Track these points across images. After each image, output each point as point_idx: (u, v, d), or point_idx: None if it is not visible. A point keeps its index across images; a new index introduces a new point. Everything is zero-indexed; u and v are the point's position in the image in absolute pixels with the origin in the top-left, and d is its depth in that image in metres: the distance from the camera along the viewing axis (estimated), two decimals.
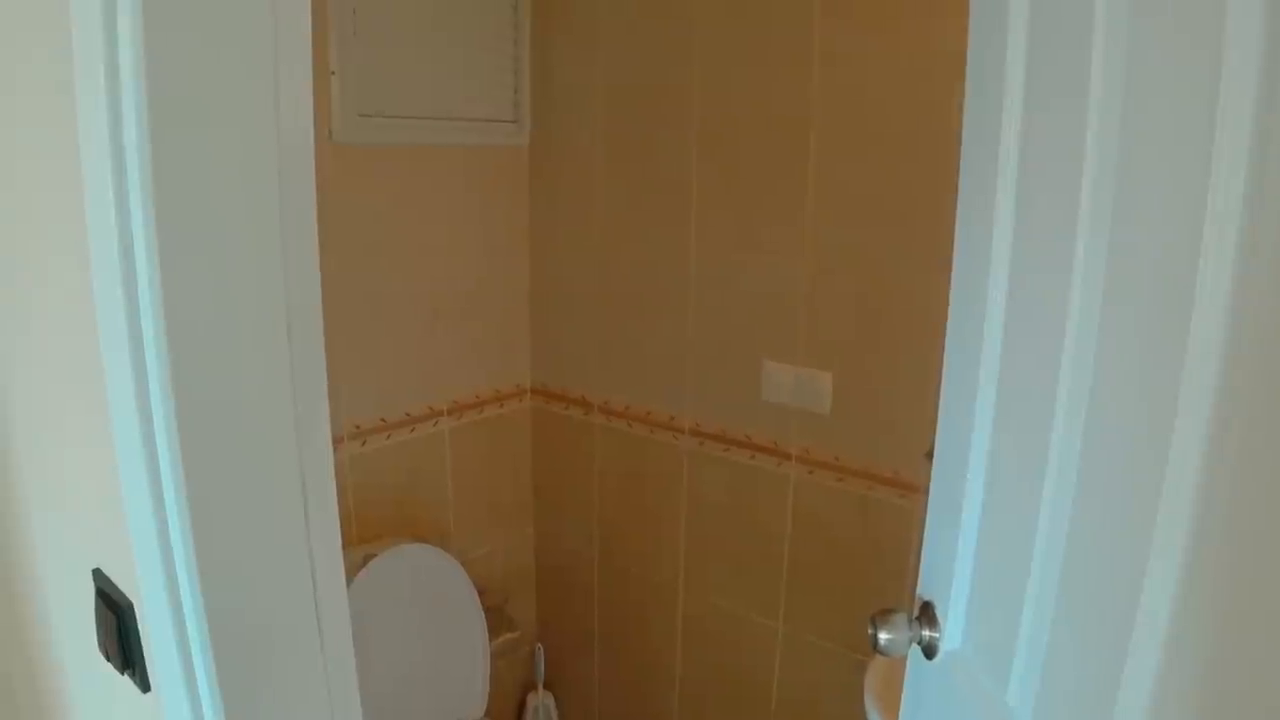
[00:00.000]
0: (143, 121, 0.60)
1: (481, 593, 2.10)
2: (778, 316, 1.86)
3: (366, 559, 1.83)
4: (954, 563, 0.95)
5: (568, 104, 2.17)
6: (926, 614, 1.01)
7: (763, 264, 1.87)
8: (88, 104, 0.64)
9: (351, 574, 1.78)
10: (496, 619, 2.25)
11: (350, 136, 1.87)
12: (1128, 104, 0.62)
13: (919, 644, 1.01)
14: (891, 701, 1.29)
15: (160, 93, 0.60)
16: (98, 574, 0.87)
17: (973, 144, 0.86)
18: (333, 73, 1.82)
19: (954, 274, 0.91)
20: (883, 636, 0.99)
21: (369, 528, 2.04)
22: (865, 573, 1.83)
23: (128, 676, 0.83)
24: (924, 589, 1.03)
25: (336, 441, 1.89)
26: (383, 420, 2.05)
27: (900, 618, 1.00)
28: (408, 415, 2.11)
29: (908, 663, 1.08)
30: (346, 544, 1.81)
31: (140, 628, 0.80)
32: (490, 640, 2.11)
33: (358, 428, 2.00)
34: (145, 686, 0.81)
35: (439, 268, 2.12)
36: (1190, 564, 0.58)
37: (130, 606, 0.81)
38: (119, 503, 0.75)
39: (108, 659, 0.85)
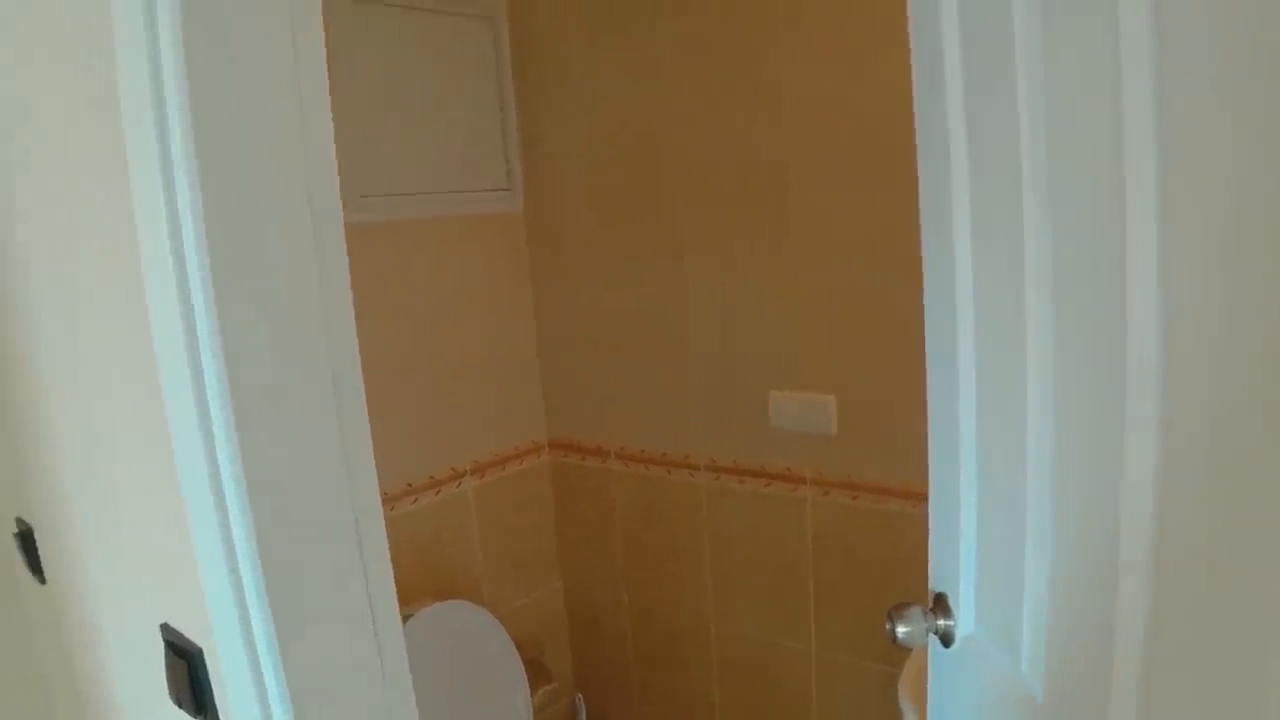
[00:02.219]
0: (198, 215, 0.68)
1: (517, 647, 2.15)
2: (778, 347, 1.94)
3: (405, 618, 1.90)
4: (958, 553, 1.02)
5: (557, 167, 2.28)
6: (940, 604, 1.07)
7: (758, 299, 1.95)
8: (146, 204, 0.72)
9: None
10: (534, 672, 2.30)
11: (354, 215, 1.97)
12: (1049, 119, 0.71)
13: (935, 633, 1.07)
14: (924, 697, 1.34)
15: (211, 192, 0.69)
16: (165, 627, 0.94)
17: (927, 165, 0.94)
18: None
19: (925, 290, 1.00)
20: (900, 630, 1.05)
21: (402, 590, 2.10)
22: (890, 585, 1.89)
23: None
24: (934, 581, 1.10)
25: None
26: (408, 485, 2.13)
27: (915, 611, 1.06)
28: (432, 478, 2.19)
29: (929, 654, 1.14)
30: None
31: (210, 674, 0.87)
32: (530, 694, 2.16)
33: (385, 494, 2.07)
34: None
35: (449, 333, 2.21)
36: (1157, 520, 0.66)
37: (200, 654, 0.88)
38: (188, 562, 0.83)
39: (179, 705, 0.92)
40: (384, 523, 0.86)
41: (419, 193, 2.11)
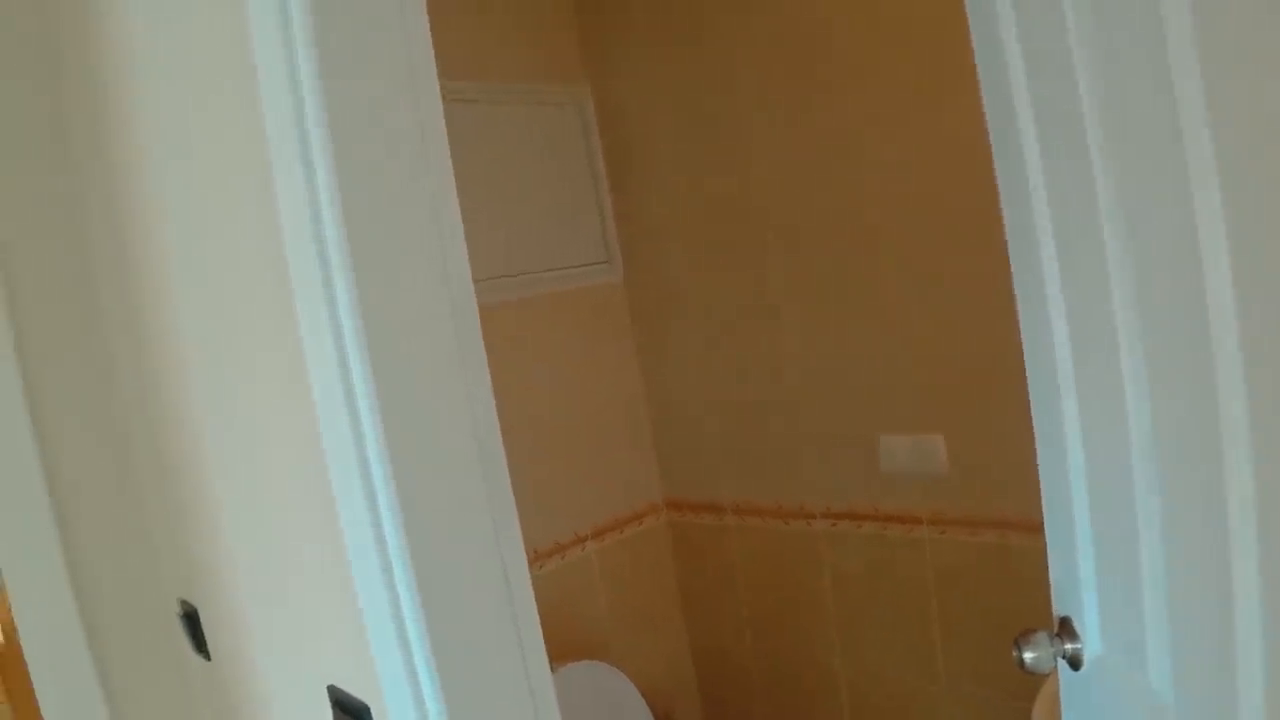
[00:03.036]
0: (355, 316, 0.79)
1: (648, 703, 2.20)
2: (882, 391, 1.98)
3: None
4: (1078, 575, 1.05)
5: (651, 236, 2.39)
6: (1065, 628, 1.10)
7: (857, 346, 2.01)
8: (309, 312, 0.83)
9: None
10: None
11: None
12: (1120, 166, 0.76)
13: (1064, 657, 1.09)
14: None
15: (366, 297, 0.79)
16: (332, 689, 1.03)
17: (1011, 209, 1.00)
18: None
19: (1022, 325, 1.05)
20: (1027, 655, 1.08)
21: None
22: (1016, 617, 1.88)
23: None
24: (1058, 605, 1.12)
25: None
26: (535, 552, 2.22)
27: (1041, 635, 1.09)
28: (556, 544, 2.27)
29: (1060, 679, 1.15)
30: None
31: None
32: None
33: None
34: None
35: (562, 404, 2.32)
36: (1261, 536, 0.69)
37: (367, 709, 0.96)
38: (355, 626, 0.92)
39: None
40: (530, 584, 0.94)
41: (524, 273, 2.24)
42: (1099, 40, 0.77)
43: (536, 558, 2.22)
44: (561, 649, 2.23)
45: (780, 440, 2.22)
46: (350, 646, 0.96)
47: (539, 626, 0.93)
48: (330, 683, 1.05)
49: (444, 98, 2.05)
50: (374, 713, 0.96)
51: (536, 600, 2.17)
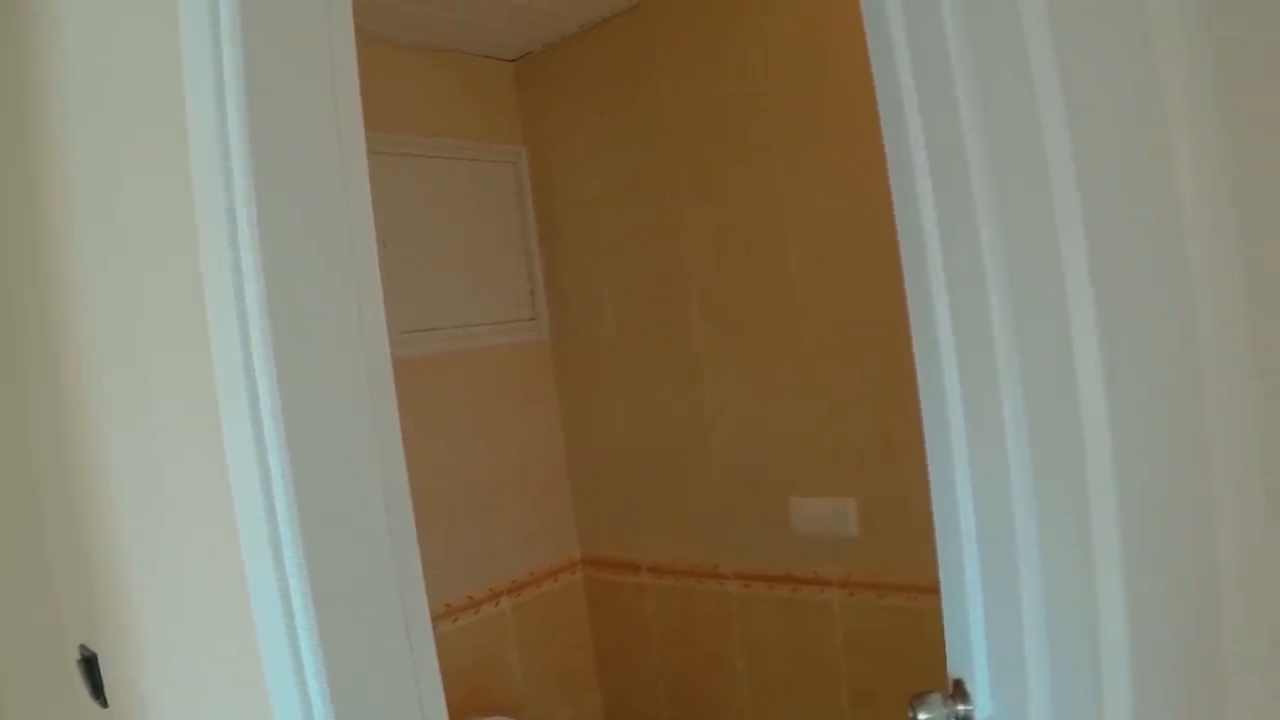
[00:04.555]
0: (270, 359, 0.80)
1: None
2: (795, 455, 2.03)
3: None
4: (970, 638, 1.09)
5: (578, 296, 2.42)
6: (959, 690, 1.13)
7: (773, 410, 2.05)
8: (226, 367, 0.84)
9: None
10: None
11: (394, 351, 2.10)
12: (1005, 239, 0.82)
13: (958, 718, 1.13)
14: None
15: (281, 351, 0.80)
16: None
17: (912, 278, 1.05)
18: None
19: (921, 392, 1.09)
20: (921, 717, 1.11)
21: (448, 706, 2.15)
22: (923, 679, 1.91)
23: None
24: (952, 667, 1.16)
25: None
26: (448, 605, 2.20)
27: (935, 697, 1.12)
28: (470, 599, 2.26)
29: None
30: None
31: None
32: None
33: (431, 614, 2.14)
34: None
35: (483, 459, 2.32)
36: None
37: None
38: (257, 677, 0.91)
39: None
40: (433, 644, 0.94)
41: (454, 326, 2.26)
42: (988, 134, 0.83)
43: (450, 611, 2.20)
44: (472, 705, 2.20)
45: (697, 501, 2.25)
46: (252, 699, 0.95)
47: (439, 683, 0.93)
48: None
49: (384, 150, 2.09)
50: None
51: (449, 655, 2.15)
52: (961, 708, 1.12)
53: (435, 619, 2.14)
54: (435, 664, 0.93)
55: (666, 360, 2.26)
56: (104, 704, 1.52)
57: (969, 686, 1.12)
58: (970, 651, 1.10)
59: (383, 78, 2.19)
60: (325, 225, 0.80)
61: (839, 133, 1.88)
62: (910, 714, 1.12)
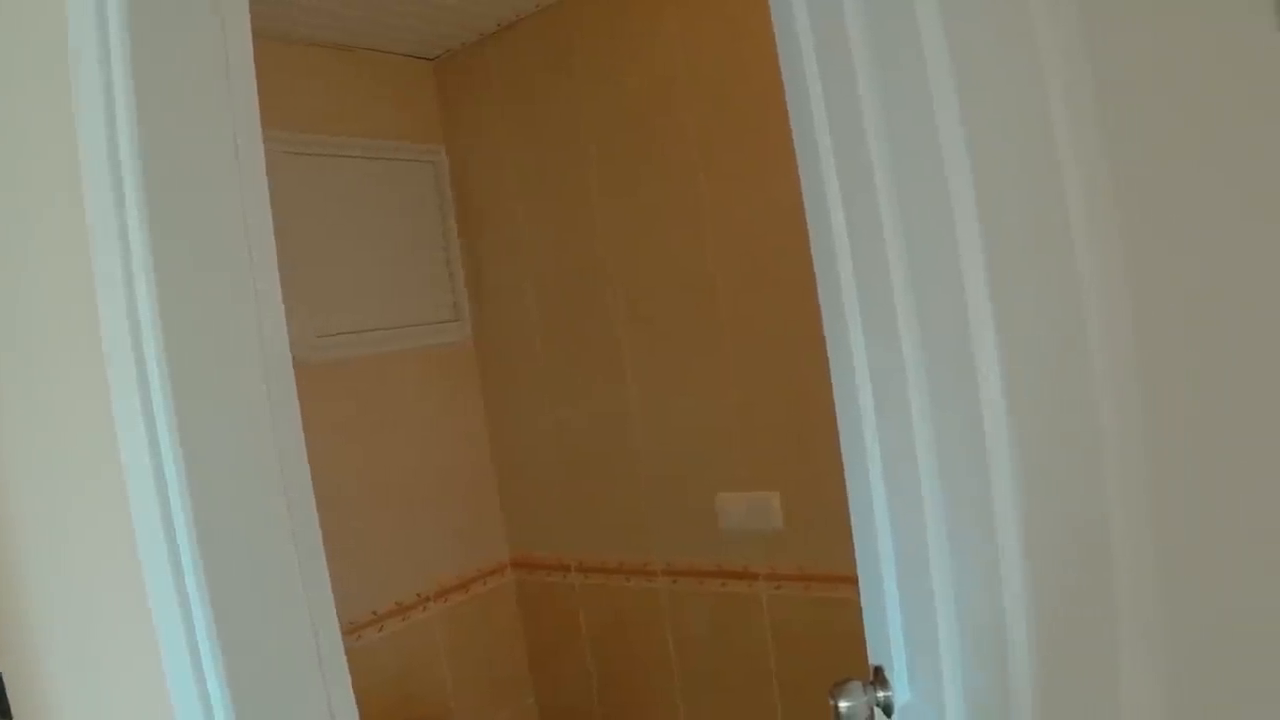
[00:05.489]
0: (163, 367, 0.78)
1: None
2: (720, 450, 2.05)
3: None
4: (888, 626, 1.12)
5: (501, 296, 2.41)
6: (879, 677, 1.15)
7: (697, 407, 2.07)
8: (119, 366, 0.82)
9: None
10: None
11: (310, 355, 2.07)
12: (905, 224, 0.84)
13: (878, 705, 1.15)
14: None
15: (175, 350, 0.78)
16: None
17: (823, 271, 1.07)
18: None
19: (834, 384, 1.11)
20: (841, 705, 1.12)
21: (378, 715, 2.12)
22: (850, 668, 1.94)
23: None
24: (872, 655, 1.18)
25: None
26: (374, 613, 2.17)
27: (855, 685, 1.14)
28: (398, 605, 2.23)
29: None
30: None
31: None
32: None
33: (353, 623, 2.11)
34: None
35: (409, 462, 2.29)
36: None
37: None
38: (160, 692, 0.89)
39: None
40: (342, 648, 0.92)
41: (374, 329, 2.22)
42: (890, 133, 0.85)
43: (376, 619, 2.18)
44: (403, 713, 2.18)
45: (624, 498, 2.25)
46: (156, 709, 0.93)
47: (350, 694, 0.92)
48: None
49: (303, 151, 2.04)
50: None
51: (378, 663, 2.13)
52: (881, 694, 1.14)
53: (362, 627, 2.12)
54: (346, 675, 0.92)
55: (590, 359, 2.26)
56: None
57: (888, 674, 1.14)
58: (888, 640, 1.12)
59: (302, 78, 2.15)
60: (220, 231, 0.78)
61: (754, 130, 1.90)
62: (830, 701, 1.14)
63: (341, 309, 2.16)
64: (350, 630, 2.11)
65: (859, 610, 1.89)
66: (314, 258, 2.10)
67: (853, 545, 1.90)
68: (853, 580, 1.90)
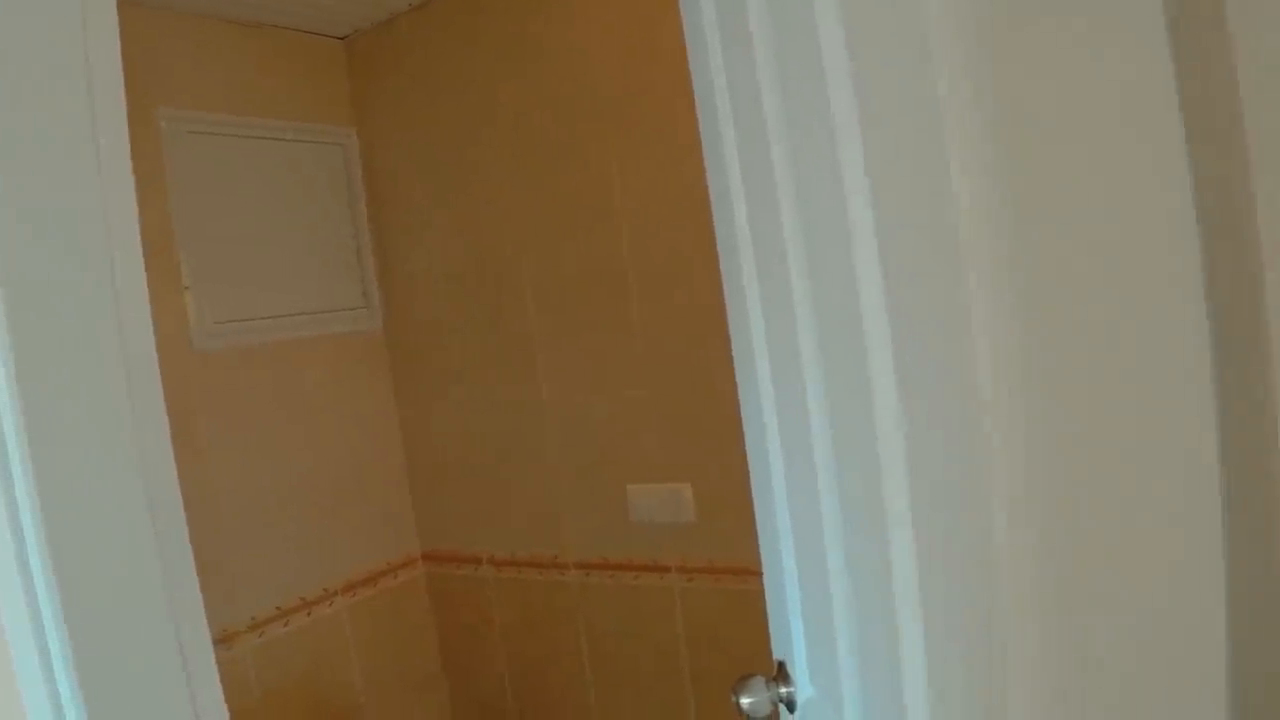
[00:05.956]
0: (9, 366, 0.73)
1: None
2: (631, 443, 2.03)
3: None
4: (789, 621, 1.11)
5: (412, 285, 2.35)
6: (781, 672, 1.15)
7: (609, 399, 2.04)
8: None
9: None
10: None
11: (210, 343, 1.99)
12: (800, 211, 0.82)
13: (781, 701, 1.14)
14: None
15: (23, 347, 0.73)
16: None
17: (726, 260, 1.06)
18: (186, 287, 1.95)
19: (738, 380, 1.10)
20: (744, 700, 1.11)
21: (285, 714, 2.06)
22: (761, 663, 1.95)
23: None
24: (776, 650, 1.18)
25: (233, 635, 1.94)
26: (278, 609, 2.10)
27: (757, 680, 1.13)
28: (302, 600, 2.17)
29: None
30: None
31: None
32: None
33: (254, 619, 2.04)
34: None
35: (317, 454, 2.22)
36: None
37: None
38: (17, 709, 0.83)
39: None
40: (212, 652, 0.87)
41: (278, 315, 2.15)
42: (786, 113, 0.83)
43: (280, 615, 2.11)
44: (312, 714, 2.12)
45: (536, 491, 2.22)
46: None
47: (221, 701, 0.87)
48: None
49: (203, 130, 1.96)
50: None
51: (281, 661, 2.06)
52: (784, 690, 1.13)
53: (264, 623, 2.05)
54: (215, 678, 0.86)
55: (501, 350, 2.22)
56: None
57: (790, 669, 1.14)
58: (790, 635, 1.11)
59: (207, 55, 2.06)
60: (75, 215, 0.73)
61: (668, 120, 1.88)
62: (733, 698, 1.13)
63: (245, 295, 2.08)
64: (253, 627, 2.04)
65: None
66: (216, 241, 2.02)
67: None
68: (761, 573, 1.91)
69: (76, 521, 0.72)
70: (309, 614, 2.18)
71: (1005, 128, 0.63)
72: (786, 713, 1.16)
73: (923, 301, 0.70)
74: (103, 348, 0.74)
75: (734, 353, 1.09)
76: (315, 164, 2.27)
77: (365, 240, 2.38)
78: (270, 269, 2.15)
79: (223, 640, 1.96)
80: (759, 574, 1.91)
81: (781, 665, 1.15)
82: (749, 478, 1.85)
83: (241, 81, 2.13)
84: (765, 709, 1.13)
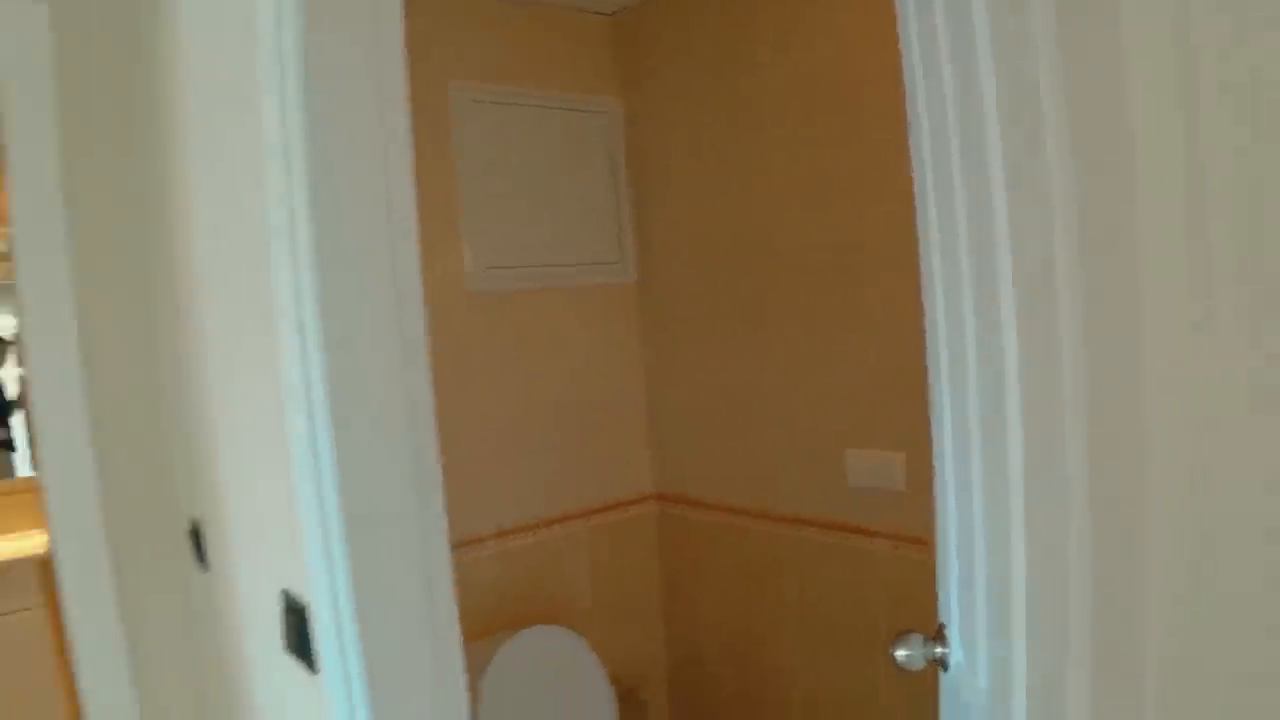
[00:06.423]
0: (315, 295, 0.95)
1: (615, 681, 2.35)
2: (853, 408, 2.11)
3: (507, 640, 2.13)
4: (951, 589, 1.18)
5: (663, 243, 2.54)
6: (940, 634, 1.23)
7: (833, 366, 2.14)
8: (282, 290, 1.00)
9: (491, 655, 2.09)
10: (630, 706, 2.49)
11: (481, 285, 2.28)
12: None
13: (935, 660, 1.22)
14: None
15: (328, 288, 0.95)
16: (284, 594, 1.20)
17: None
18: (463, 237, 2.25)
19: (928, 351, 1.18)
20: (899, 653, 1.21)
21: (516, 614, 2.36)
22: None
23: (302, 662, 1.16)
24: (940, 614, 1.25)
25: (479, 540, 2.24)
26: (518, 524, 2.38)
27: (916, 637, 1.22)
28: (547, 519, 2.44)
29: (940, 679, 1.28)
30: (489, 630, 2.13)
31: (311, 630, 1.11)
32: None
33: (499, 527, 2.34)
34: (314, 669, 1.12)
35: (567, 392, 2.49)
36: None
37: (304, 611, 1.12)
38: (300, 548, 1.08)
39: (289, 651, 1.19)
40: (445, 529, 1.06)
41: (538, 265, 2.41)
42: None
43: (522, 529, 2.39)
44: (537, 615, 2.40)
45: (759, 445, 2.36)
46: (297, 561, 1.13)
47: (447, 560, 1.06)
48: (284, 587, 1.22)
49: (481, 99, 2.23)
50: (309, 611, 1.13)
51: (516, 568, 2.34)
52: (939, 650, 1.21)
53: (507, 533, 2.34)
54: (445, 546, 1.05)
55: (738, 310, 2.36)
56: (205, 567, 1.77)
57: (948, 632, 1.21)
58: (951, 601, 1.19)
59: (490, 31, 2.33)
60: (366, 174, 0.94)
61: None
62: (890, 649, 1.22)
63: (514, 245, 2.36)
64: (498, 535, 2.34)
65: None
66: (492, 197, 2.30)
67: None
68: None
69: (353, 422, 0.95)
70: (547, 531, 2.45)
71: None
72: (941, 670, 1.24)
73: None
74: (381, 283, 0.95)
75: (927, 323, 1.17)
76: (581, 131, 2.50)
77: (624, 202, 2.60)
78: (537, 224, 2.41)
79: (470, 543, 2.27)
80: None
81: (942, 627, 1.23)
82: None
83: (519, 56, 2.39)
84: (919, 664, 1.22)
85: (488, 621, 2.29)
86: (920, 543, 2.02)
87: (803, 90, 2.15)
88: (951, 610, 1.18)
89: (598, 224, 2.55)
